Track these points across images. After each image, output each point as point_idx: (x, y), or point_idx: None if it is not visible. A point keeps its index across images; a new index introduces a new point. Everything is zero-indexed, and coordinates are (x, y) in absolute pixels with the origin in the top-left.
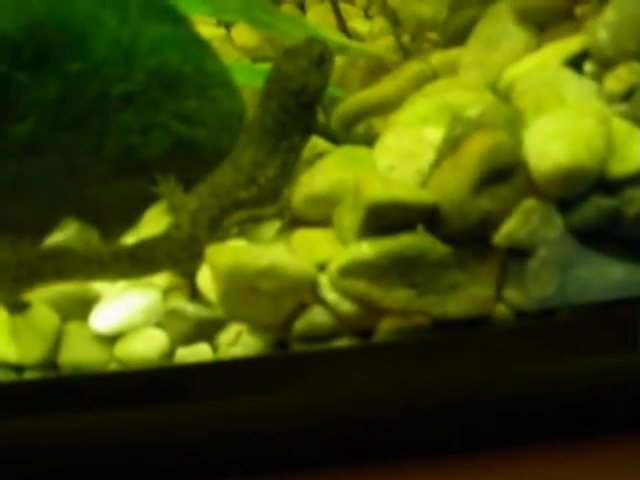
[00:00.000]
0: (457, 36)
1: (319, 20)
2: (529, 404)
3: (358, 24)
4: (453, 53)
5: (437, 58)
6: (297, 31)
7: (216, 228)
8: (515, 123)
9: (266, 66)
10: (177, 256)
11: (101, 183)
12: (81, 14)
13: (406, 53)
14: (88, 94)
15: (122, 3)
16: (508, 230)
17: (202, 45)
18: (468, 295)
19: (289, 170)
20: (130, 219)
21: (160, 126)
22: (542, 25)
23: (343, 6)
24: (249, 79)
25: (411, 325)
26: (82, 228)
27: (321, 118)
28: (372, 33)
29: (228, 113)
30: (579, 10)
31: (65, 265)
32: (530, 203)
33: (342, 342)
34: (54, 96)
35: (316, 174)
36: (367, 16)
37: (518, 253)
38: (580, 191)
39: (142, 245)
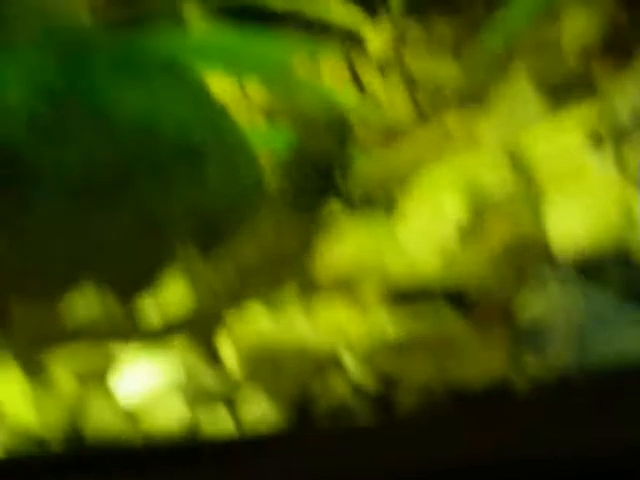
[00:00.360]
0: (474, 98)
1: (333, 72)
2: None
3: (373, 77)
4: (470, 116)
5: (454, 121)
6: (312, 92)
7: (237, 299)
8: (535, 200)
9: (283, 130)
10: (196, 328)
11: (121, 249)
12: (103, 84)
13: (421, 112)
14: (109, 164)
15: (144, 72)
16: (527, 302)
17: (223, 114)
18: (487, 368)
19: (310, 238)
20: (148, 283)
21: (179, 195)
22: (559, 89)
23: (357, 57)
24: (266, 143)
25: (430, 399)
26: (100, 292)
27: (338, 180)
28: (387, 89)
29: (247, 181)
30: (597, 72)
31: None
32: (550, 281)
33: (363, 414)
34: (75, 166)
35: (337, 244)
36: (381, 69)
37: (537, 323)
38: (599, 267)
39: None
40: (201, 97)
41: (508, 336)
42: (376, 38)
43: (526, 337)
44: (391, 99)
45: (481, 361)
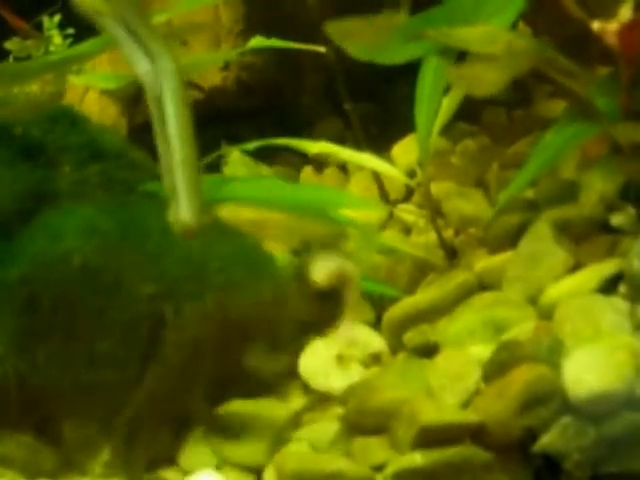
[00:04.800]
0: (501, 240)
1: (362, 188)
2: None
3: (403, 212)
4: (497, 260)
5: (481, 265)
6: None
7: None
8: (555, 351)
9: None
10: None
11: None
12: (153, 235)
13: (450, 250)
14: (162, 312)
15: None
16: (546, 441)
17: (265, 258)
18: None
19: None
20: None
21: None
22: (580, 237)
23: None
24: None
25: None
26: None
27: (369, 316)
28: (417, 226)
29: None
30: (615, 220)
31: None
32: (566, 420)
33: None
34: (130, 316)
35: (373, 388)
36: (408, 199)
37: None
38: (611, 409)
39: None
40: (238, 237)
41: (526, 465)
42: (403, 157)
43: (543, 465)
44: (421, 233)
45: None
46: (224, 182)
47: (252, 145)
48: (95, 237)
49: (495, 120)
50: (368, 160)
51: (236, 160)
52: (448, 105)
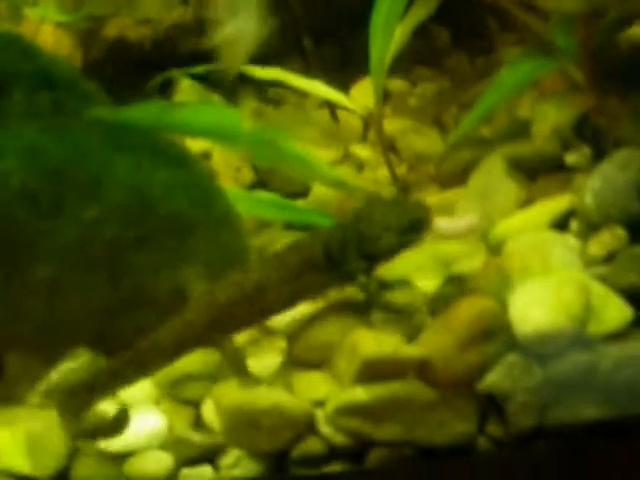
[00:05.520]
0: (453, 176)
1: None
2: None
3: (358, 149)
4: (448, 196)
5: (432, 201)
6: (302, 167)
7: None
8: (502, 286)
9: (266, 195)
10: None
11: (113, 318)
12: (96, 161)
13: (402, 186)
14: (103, 237)
15: (134, 148)
16: (492, 380)
17: (210, 187)
18: (453, 430)
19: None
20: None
21: (169, 266)
22: (534, 173)
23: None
24: (252, 209)
25: (399, 454)
26: (93, 357)
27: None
28: (370, 162)
29: (234, 252)
30: (570, 159)
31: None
32: (512, 358)
33: (334, 467)
34: (72, 240)
35: (316, 321)
36: (365, 139)
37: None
38: (558, 348)
39: None
40: (187, 166)
41: (472, 402)
42: (360, 99)
43: (488, 404)
44: (374, 169)
45: (446, 424)
46: (173, 108)
47: (200, 68)
48: (36, 159)
49: (457, 66)
50: (320, 89)
51: (186, 87)
52: (401, 33)
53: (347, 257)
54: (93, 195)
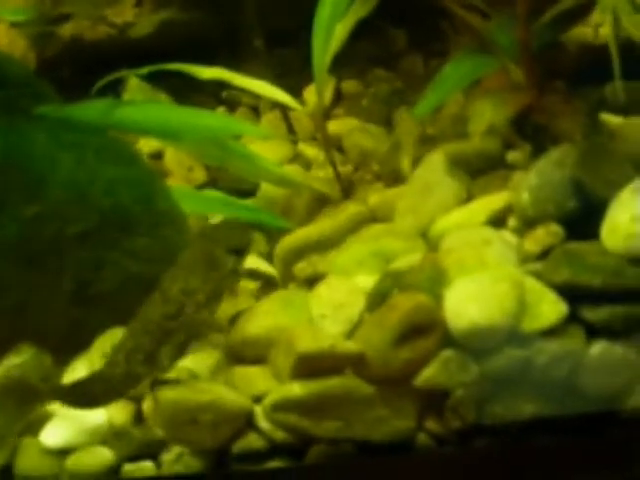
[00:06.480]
0: (397, 174)
1: (272, 128)
2: None
3: (306, 147)
4: (390, 194)
5: (375, 199)
6: (249, 166)
7: (152, 362)
8: (438, 282)
9: (214, 194)
10: (114, 392)
11: (56, 314)
12: (39, 156)
13: (347, 184)
14: (45, 234)
15: (78, 145)
16: (428, 375)
17: (154, 184)
18: (391, 426)
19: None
20: (82, 346)
21: (112, 263)
22: (475, 171)
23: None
24: (195, 207)
25: (338, 451)
26: (36, 354)
27: (263, 247)
28: (317, 161)
29: (176, 249)
30: (510, 157)
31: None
32: (447, 353)
33: (275, 463)
34: (13, 237)
35: (254, 317)
36: (314, 139)
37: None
38: (493, 344)
39: (79, 384)
40: (132, 163)
41: (410, 399)
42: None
43: (428, 399)
44: (321, 167)
45: (385, 420)
46: (119, 106)
47: (146, 69)
48: None
49: (411, 68)
50: (263, 88)
51: (134, 86)
52: (341, 30)
53: None
54: (35, 193)
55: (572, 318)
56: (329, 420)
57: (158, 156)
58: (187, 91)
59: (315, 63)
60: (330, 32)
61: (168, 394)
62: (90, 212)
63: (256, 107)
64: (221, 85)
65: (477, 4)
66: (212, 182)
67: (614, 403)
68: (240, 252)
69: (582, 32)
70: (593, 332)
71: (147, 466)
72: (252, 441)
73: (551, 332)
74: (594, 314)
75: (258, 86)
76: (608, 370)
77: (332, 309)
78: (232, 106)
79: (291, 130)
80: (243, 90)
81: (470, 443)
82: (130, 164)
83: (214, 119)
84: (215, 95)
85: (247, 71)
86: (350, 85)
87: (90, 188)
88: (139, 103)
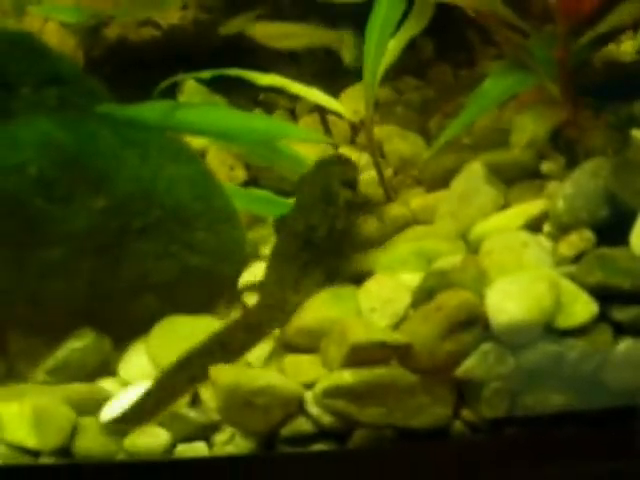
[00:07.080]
0: (436, 180)
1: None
2: None
3: (346, 151)
4: (431, 198)
5: (417, 202)
6: (296, 167)
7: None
8: (480, 281)
9: (260, 192)
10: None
11: (117, 301)
12: (106, 154)
13: (388, 188)
14: (112, 226)
15: (143, 143)
16: (468, 366)
17: (211, 182)
18: (430, 414)
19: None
20: (140, 332)
21: (172, 255)
22: (511, 180)
23: (332, 119)
24: (247, 205)
25: (380, 435)
26: (97, 337)
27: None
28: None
29: (231, 243)
30: (545, 167)
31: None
32: (487, 347)
33: (321, 446)
34: (81, 228)
35: (308, 310)
36: (353, 142)
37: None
38: (529, 339)
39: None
40: (190, 162)
41: (449, 388)
42: (349, 104)
43: (465, 390)
44: (362, 171)
45: (424, 407)
46: (177, 108)
47: (206, 74)
48: (51, 150)
49: (441, 77)
50: (315, 95)
51: (191, 89)
52: (395, 46)
53: None
54: (102, 187)
55: (602, 317)
56: (373, 406)
57: (201, 155)
58: (224, 92)
59: (365, 76)
60: (380, 47)
61: (225, 378)
62: (153, 207)
63: (292, 110)
64: (256, 87)
65: (515, 22)
66: (252, 181)
67: (638, 397)
68: (352, 186)
69: (607, 49)
70: (620, 331)
71: (199, 447)
72: (300, 425)
73: (582, 330)
74: (622, 314)
75: (309, 92)
76: (633, 366)
77: (381, 303)
78: (269, 108)
79: (329, 133)
80: (280, 93)
81: (502, 431)
82: (189, 162)
83: (266, 122)
84: (252, 97)
85: (283, 74)
86: (383, 92)
87: (153, 184)
88: (198, 105)
